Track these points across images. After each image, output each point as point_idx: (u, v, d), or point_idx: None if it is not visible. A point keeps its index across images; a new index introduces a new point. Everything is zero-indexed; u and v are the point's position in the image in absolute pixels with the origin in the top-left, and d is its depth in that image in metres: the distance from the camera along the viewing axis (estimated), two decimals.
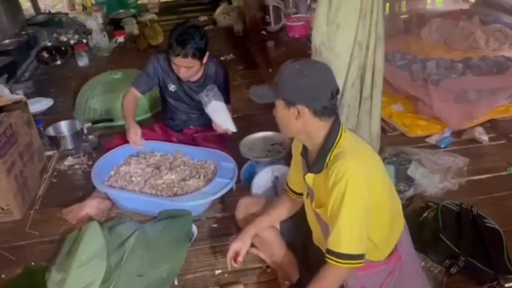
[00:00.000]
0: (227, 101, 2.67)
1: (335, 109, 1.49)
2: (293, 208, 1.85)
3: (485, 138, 2.84)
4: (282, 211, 1.87)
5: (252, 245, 1.89)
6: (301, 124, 1.47)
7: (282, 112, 1.49)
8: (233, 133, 2.50)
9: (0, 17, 4.89)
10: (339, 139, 1.47)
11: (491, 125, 3.00)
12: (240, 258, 1.78)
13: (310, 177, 1.54)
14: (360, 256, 1.41)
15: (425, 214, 2.09)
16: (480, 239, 1.92)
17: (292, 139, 1.71)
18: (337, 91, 1.47)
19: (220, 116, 2.46)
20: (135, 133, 2.47)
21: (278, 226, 1.92)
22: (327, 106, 1.44)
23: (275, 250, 1.93)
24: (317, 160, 1.50)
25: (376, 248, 1.53)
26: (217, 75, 2.57)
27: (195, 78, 2.53)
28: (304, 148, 1.60)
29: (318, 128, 1.48)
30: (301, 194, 1.76)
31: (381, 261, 1.56)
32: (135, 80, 2.59)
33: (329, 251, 1.43)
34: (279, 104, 1.49)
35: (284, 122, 1.52)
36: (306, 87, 1.42)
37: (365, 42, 2.13)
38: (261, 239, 1.91)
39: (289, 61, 1.49)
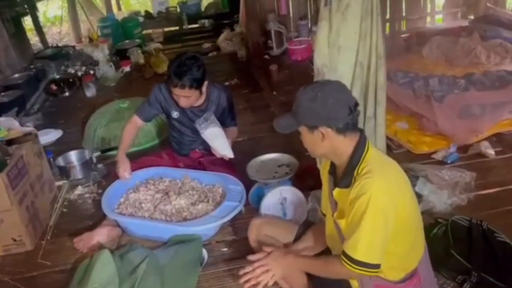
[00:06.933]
0: (233, 123, 2.71)
1: (356, 123, 1.51)
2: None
3: (491, 152, 2.84)
4: (319, 246, 1.79)
5: None
6: (328, 144, 1.50)
7: (307, 136, 1.52)
8: (238, 156, 2.52)
9: (9, 52, 5.00)
10: (366, 154, 1.49)
11: (497, 139, 3.01)
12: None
13: (337, 191, 1.56)
14: (375, 266, 1.43)
15: (435, 231, 2.08)
16: (492, 253, 1.91)
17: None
18: (355, 104, 1.49)
19: (218, 143, 2.49)
20: (124, 169, 2.54)
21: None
22: (348, 122, 1.47)
23: (295, 277, 1.85)
24: (345, 175, 1.51)
25: (392, 266, 1.52)
26: (220, 99, 2.62)
27: (198, 103, 2.58)
28: (332, 165, 1.61)
29: (344, 145, 1.50)
30: None
31: (398, 281, 1.54)
32: (138, 109, 2.68)
33: (345, 254, 1.45)
34: (303, 130, 1.52)
35: (311, 145, 1.55)
36: (322, 110, 1.44)
37: (366, 63, 2.18)
38: None
39: (302, 87, 1.51)
